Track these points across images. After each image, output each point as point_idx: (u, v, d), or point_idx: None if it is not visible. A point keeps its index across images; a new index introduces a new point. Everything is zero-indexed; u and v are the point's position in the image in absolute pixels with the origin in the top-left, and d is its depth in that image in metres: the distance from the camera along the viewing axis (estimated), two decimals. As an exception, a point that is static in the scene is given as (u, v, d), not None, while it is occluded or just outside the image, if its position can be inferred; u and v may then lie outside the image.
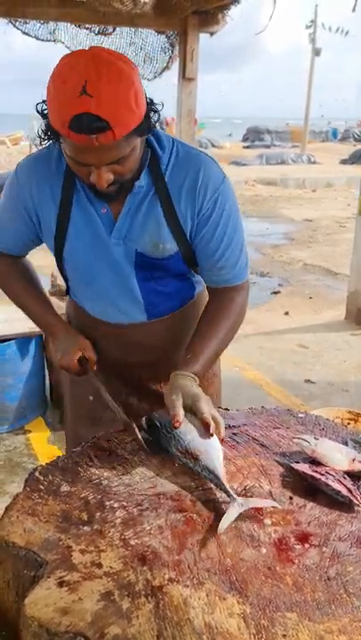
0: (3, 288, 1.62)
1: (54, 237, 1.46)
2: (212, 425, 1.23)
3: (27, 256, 1.66)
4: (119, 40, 4.11)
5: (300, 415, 1.51)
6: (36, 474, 1.24)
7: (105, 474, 1.24)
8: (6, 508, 1.13)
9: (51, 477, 1.23)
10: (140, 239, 1.41)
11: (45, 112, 1.23)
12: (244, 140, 36.63)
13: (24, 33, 3.81)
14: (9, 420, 3.33)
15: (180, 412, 1.24)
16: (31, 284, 1.62)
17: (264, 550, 1.03)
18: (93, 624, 0.88)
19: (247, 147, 31.73)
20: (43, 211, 1.45)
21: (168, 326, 1.59)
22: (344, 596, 0.94)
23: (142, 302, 1.52)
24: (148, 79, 4.26)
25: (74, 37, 4.02)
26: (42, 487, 1.20)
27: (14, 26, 3.79)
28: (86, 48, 1.22)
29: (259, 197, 14.60)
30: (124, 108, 1.16)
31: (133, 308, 1.53)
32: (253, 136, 36.17)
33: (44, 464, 1.28)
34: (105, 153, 1.20)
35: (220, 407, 1.61)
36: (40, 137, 1.29)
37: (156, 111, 1.28)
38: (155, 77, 4.27)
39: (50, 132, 1.25)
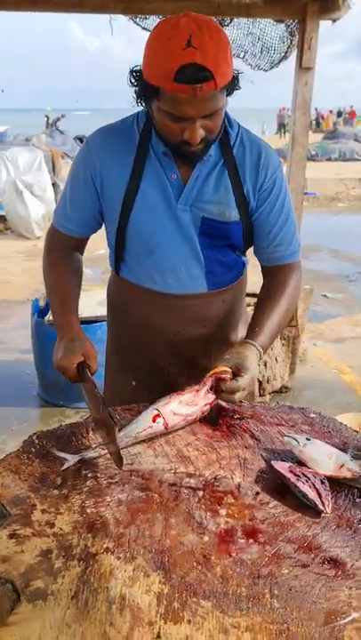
0: (45, 275, 1.64)
1: (122, 201, 1.49)
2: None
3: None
4: (237, 31, 4.09)
5: (312, 415, 1.45)
6: (34, 437, 1.34)
7: (93, 445, 1.30)
8: (-5, 463, 1.24)
9: (45, 442, 1.32)
10: (207, 205, 1.49)
11: (137, 77, 1.32)
12: None
13: (144, 29, 3.95)
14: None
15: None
16: (69, 283, 1.61)
17: (206, 538, 1.03)
18: (24, 575, 0.96)
19: None
20: (111, 175, 1.50)
21: (225, 299, 1.65)
22: (267, 597, 0.91)
23: (204, 270, 1.57)
24: (265, 70, 4.20)
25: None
26: (33, 450, 1.29)
27: (135, 22, 3.95)
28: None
29: None
30: (223, 61, 1.26)
31: (195, 276, 1.57)
32: None
33: (43, 430, 1.37)
34: (204, 104, 1.28)
35: (241, 401, 1.59)
36: (137, 101, 1.38)
37: (236, 75, 1.34)
38: (271, 68, 4.19)
39: (145, 94, 1.34)
